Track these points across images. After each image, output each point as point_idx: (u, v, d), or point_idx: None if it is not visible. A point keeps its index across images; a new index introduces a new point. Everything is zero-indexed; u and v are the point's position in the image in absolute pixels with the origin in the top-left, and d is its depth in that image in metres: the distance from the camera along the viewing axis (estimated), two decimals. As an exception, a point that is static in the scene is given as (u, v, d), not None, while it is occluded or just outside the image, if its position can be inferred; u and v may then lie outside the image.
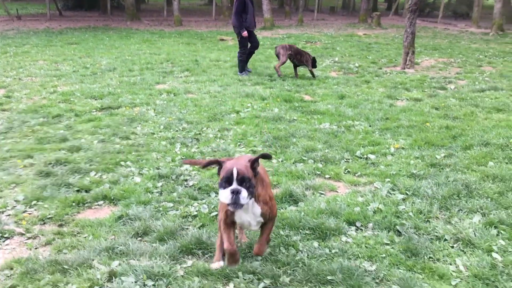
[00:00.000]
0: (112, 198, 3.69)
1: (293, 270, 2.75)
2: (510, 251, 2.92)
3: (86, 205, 3.60)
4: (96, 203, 3.64)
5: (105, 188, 3.84)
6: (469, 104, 6.73)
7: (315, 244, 3.03)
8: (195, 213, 3.45)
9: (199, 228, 3.23)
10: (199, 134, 5.36)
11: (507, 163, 4.38)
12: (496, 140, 4.98)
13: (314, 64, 8.36)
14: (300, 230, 3.20)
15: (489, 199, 3.62)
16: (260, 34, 14.95)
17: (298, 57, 8.31)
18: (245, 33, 8.47)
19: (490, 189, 3.79)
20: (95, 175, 4.13)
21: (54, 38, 13.92)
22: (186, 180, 4.04)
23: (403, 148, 4.88)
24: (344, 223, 3.30)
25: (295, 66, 8.51)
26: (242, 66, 8.77)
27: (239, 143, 5.05)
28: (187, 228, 3.22)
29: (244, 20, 8.43)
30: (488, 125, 5.59)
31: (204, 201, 3.65)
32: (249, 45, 8.70)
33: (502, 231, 3.14)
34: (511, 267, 2.74)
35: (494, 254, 2.86)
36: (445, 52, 12.23)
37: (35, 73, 8.57)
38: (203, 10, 29.47)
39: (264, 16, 19.03)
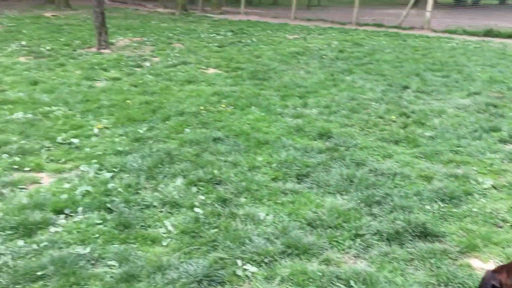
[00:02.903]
0: None
1: (-3, 279, 2.61)
2: (208, 203, 3.50)
3: None
4: None
5: None
6: (164, 79, 7.58)
7: (21, 242, 3.00)
8: None
9: None
10: None
11: (200, 127, 5.20)
12: (189, 109, 5.84)
13: None
14: (1, 233, 3.10)
15: (188, 161, 4.25)
16: None
17: None
18: None
19: (188, 153, 4.44)
20: None
21: None
22: None
23: (106, 128, 5.18)
24: (51, 213, 3.35)
25: None
26: None
27: None
28: None
29: None
30: (182, 96, 6.45)
31: None
32: None
33: (200, 188, 3.75)
34: (210, 216, 3.32)
35: (196, 209, 3.40)
36: (138, 32, 13.37)
37: None
38: None
39: None
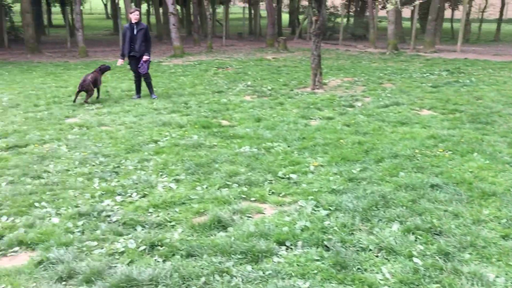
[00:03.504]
0: (29, 242, 3.71)
1: (230, 298, 2.92)
2: (428, 255, 3.37)
3: (0, 253, 3.62)
4: (11, 250, 3.65)
5: (20, 233, 3.84)
6: (376, 119, 7.57)
7: (249, 267, 3.25)
8: (122, 249, 3.57)
9: (127, 264, 3.35)
10: (118, 167, 5.50)
11: (415, 172, 5.06)
12: (404, 151, 5.73)
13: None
14: (233, 255, 3.41)
15: (404, 207, 4.15)
16: (171, 62, 16.69)
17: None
18: (118, 62, 9.85)
19: (404, 197, 4.35)
20: (7, 220, 4.14)
21: None
22: (108, 216, 4.15)
23: (321, 166, 5.36)
24: (274, 243, 3.54)
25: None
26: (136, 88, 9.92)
27: (160, 173, 5.23)
28: (115, 266, 3.33)
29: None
30: (395, 138, 6.38)
31: (130, 236, 3.78)
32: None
33: (419, 237, 3.62)
34: (431, 269, 3.18)
35: (415, 259, 3.29)
36: (349, 72, 13.51)
37: None
38: (109, 40, 28.50)
39: (173, 44, 19.71)
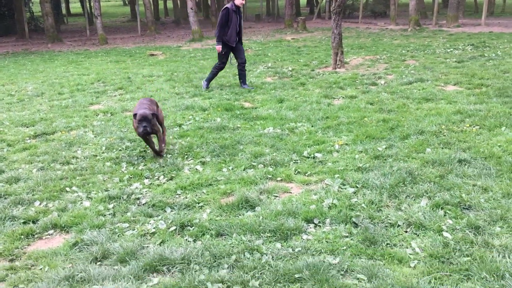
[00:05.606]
0: (63, 225, 3.81)
1: (261, 273, 2.99)
2: (458, 229, 3.36)
3: (36, 236, 3.72)
4: (46, 233, 3.75)
5: (54, 216, 3.95)
6: (400, 96, 7.49)
7: (278, 245, 3.30)
8: (153, 230, 3.65)
9: (159, 244, 3.43)
10: (144, 151, 5.60)
11: (442, 148, 5.04)
12: (429, 128, 5.71)
13: None
14: (262, 234, 3.46)
15: (432, 183, 4.14)
16: (190, 46, 17.27)
17: None
18: (218, 47, 8.70)
19: (431, 173, 4.34)
20: (40, 204, 4.27)
21: (-31, 68, 13.56)
22: (138, 199, 4.24)
23: (346, 144, 5.37)
24: (303, 221, 3.61)
25: None
26: (209, 78, 9.08)
27: (186, 156, 5.32)
28: (147, 246, 3.41)
29: (226, 33, 8.61)
30: (420, 115, 6.32)
31: (160, 217, 3.86)
32: (232, 60, 9.24)
33: (448, 211, 3.61)
34: (461, 243, 3.16)
35: (444, 233, 3.30)
36: (371, 50, 13.46)
37: (-46, 106, 8.51)
38: (127, 27, 29.28)
39: (191, 28, 19.73)
